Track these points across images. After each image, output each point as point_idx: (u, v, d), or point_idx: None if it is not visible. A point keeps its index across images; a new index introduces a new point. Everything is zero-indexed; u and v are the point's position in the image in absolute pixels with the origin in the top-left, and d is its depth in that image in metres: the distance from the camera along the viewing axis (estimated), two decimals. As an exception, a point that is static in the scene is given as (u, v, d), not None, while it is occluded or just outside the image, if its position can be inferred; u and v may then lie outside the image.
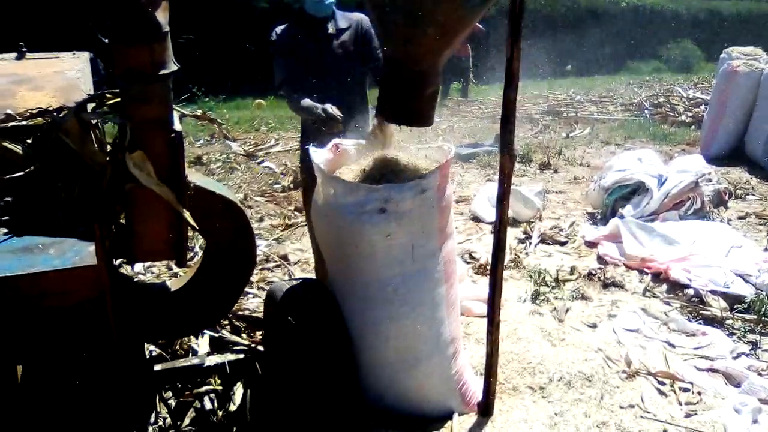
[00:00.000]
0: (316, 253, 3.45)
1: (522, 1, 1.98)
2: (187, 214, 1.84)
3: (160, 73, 1.73)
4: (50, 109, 1.70)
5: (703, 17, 23.49)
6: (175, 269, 3.91)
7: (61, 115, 1.65)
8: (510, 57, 2.10)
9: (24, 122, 1.67)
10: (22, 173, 1.60)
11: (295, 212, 5.74)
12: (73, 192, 1.65)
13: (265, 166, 6.74)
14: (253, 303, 3.65)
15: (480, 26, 2.25)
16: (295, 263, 4.48)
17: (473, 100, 13.54)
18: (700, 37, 21.15)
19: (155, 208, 1.87)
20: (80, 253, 1.48)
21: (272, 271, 4.36)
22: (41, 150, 1.64)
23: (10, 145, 1.65)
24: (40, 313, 1.68)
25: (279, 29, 3.39)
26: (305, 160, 3.16)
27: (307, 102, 3.16)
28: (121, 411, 2.10)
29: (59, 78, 1.92)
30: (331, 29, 3.32)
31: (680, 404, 2.86)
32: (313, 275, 4.19)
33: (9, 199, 1.61)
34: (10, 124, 1.65)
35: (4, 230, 1.55)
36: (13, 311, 1.56)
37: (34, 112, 1.68)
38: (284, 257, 4.53)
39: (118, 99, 1.78)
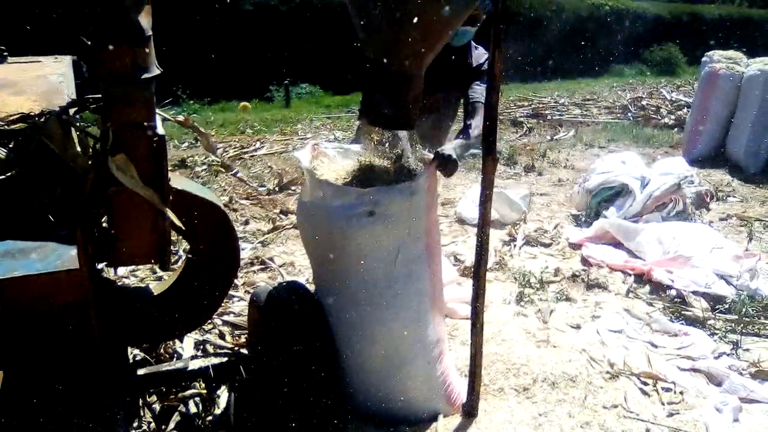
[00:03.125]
0: None
1: (504, 4, 2.00)
2: (172, 216, 1.83)
3: (143, 76, 1.73)
4: (32, 113, 1.69)
5: (685, 21, 23.75)
6: (159, 273, 3.89)
7: (43, 119, 1.64)
8: (492, 60, 2.12)
9: (5, 126, 1.66)
10: (3, 177, 1.59)
11: (281, 215, 5.73)
12: (54, 196, 1.65)
13: (239, 177, 6.75)
14: (238, 306, 3.64)
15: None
16: (281, 266, 4.47)
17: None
18: (683, 41, 21.37)
19: (138, 212, 1.86)
20: (62, 257, 1.48)
21: (257, 274, 4.35)
22: (23, 154, 1.63)
23: (-9, 150, 1.65)
24: (22, 317, 1.67)
25: None
26: None
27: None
28: (103, 416, 2.08)
29: (41, 82, 1.91)
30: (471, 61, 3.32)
31: (663, 404, 2.89)
32: (297, 278, 4.20)
33: (-11, 203, 1.61)
34: (-9, 128, 1.65)
35: (-15, 235, 1.55)
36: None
37: (15, 116, 1.67)
38: (270, 260, 4.51)
39: (101, 103, 1.77)
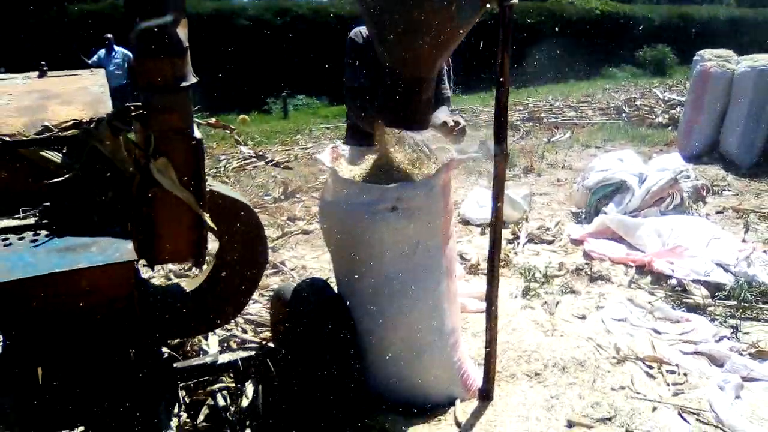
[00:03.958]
0: None
1: (511, 11, 2.16)
2: (207, 217, 1.98)
3: (181, 85, 1.88)
4: (83, 120, 1.84)
5: (675, 22, 24.06)
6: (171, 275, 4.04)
7: (94, 125, 1.79)
8: (501, 62, 2.27)
9: (60, 133, 1.81)
10: (59, 179, 1.74)
11: (288, 222, 5.88)
12: (106, 196, 1.79)
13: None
14: (254, 308, 3.77)
15: None
16: (292, 269, 4.62)
17: (455, 110, 13.75)
18: (674, 42, 21.66)
19: (177, 212, 2.00)
20: (120, 249, 1.61)
21: (269, 278, 4.49)
22: (77, 158, 1.78)
23: (48, 154, 1.79)
24: (73, 311, 1.81)
25: (357, 30, 3.06)
26: None
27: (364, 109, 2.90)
28: (148, 407, 2.21)
29: (84, 93, 2.06)
30: None
31: (668, 385, 3.03)
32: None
33: (48, 203, 1.75)
34: (47, 135, 1.79)
35: (45, 232, 1.68)
36: (54, 309, 1.69)
37: (68, 123, 1.82)
38: (281, 263, 4.66)
39: (143, 110, 1.91)
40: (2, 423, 1.71)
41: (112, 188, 1.80)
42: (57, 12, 13.81)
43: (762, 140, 7.44)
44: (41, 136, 1.79)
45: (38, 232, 1.68)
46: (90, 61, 11.14)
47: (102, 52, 11.60)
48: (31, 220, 1.73)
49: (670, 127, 10.03)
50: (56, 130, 1.80)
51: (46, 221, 1.72)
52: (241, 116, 12.54)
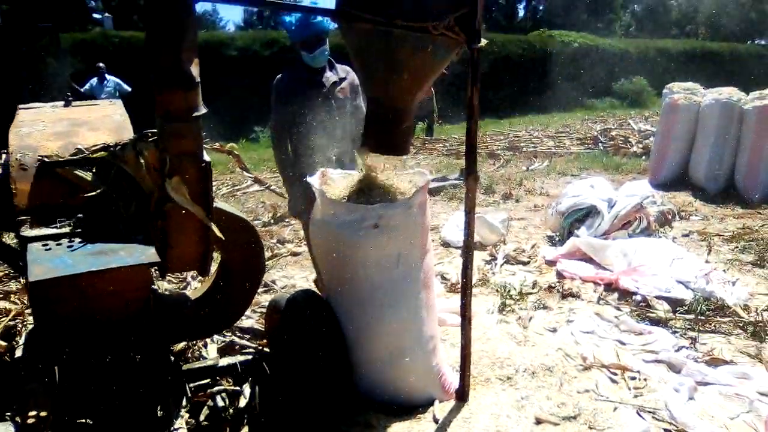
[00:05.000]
0: (317, 267, 3.88)
1: (479, 52, 2.48)
2: (215, 228, 2.26)
3: (193, 114, 2.17)
4: (110, 144, 2.13)
5: (652, 55, 24.79)
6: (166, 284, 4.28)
7: (119, 148, 2.08)
8: (470, 96, 2.59)
9: (91, 155, 2.10)
10: (91, 194, 2.02)
11: (278, 244, 6.15)
12: (130, 209, 2.07)
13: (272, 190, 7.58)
14: (247, 323, 4.02)
15: (444, 71, 2.73)
16: (283, 288, 4.88)
17: (437, 138, 14.18)
18: (650, 74, 22.30)
19: (188, 226, 2.29)
20: (146, 253, 1.89)
21: (261, 296, 4.74)
22: (105, 177, 2.06)
23: (81, 173, 2.08)
24: (94, 312, 2.07)
25: (281, 76, 3.81)
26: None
27: (285, 175, 3.91)
28: (160, 405, 2.46)
29: (109, 120, 2.34)
30: (333, 77, 3.81)
31: (629, 389, 3.31)
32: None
33: (81, 215, 2.02)
34: (80, 156, 2.08)
35: (79, 239, 1.96)
36: (87, 307, 1.96)
37: (98, 146, 2.11)
38: (272, 282, 4.92)
39: (159, 136, 2.20)
40: (35, 405, 1.96)
41: (135, 202, 2.08)
42: (49, 40, 14.09)
43: (727, 168, 7.84)
44: (75, 157, 2.07)
45: (73, 239, 1.96)
46: (83, 90, 11.41)
47: (94, 80, 11.87)
48: (66, 229, 2.00)
49: (643, 157, 10.44)
50: (88, 152, 2.09)
51: (79, 230, 2.00)
52: (230, 144, 12.80)
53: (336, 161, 3.65)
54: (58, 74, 11.00)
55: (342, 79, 3.88)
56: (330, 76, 3.85)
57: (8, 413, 1.89)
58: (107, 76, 11.94)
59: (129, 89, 11.88)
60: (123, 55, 14.40)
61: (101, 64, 11.93)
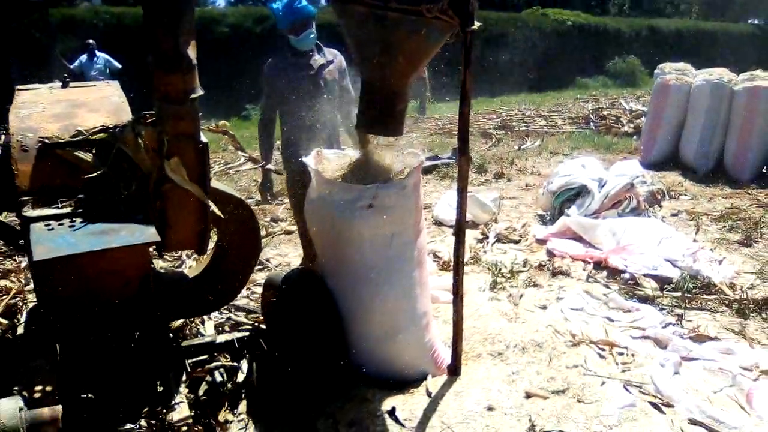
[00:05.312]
0: (303, 238, 4.02)
1: (472, 36, 2.52)
2: (213, 206, 2.31)
3: (190, 96, 2.21)
4: (110, 126, 2.17)
5: (644, 34, 24.77)
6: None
7: (119, 130, 2.12)
8: (464, 79, 2.64)
9: (91, 136, 2.13)
10: (92, 175, 2.06)
11: (272, 222, 6.20)
12: (130, 190, 2.11)
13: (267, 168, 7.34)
14: (242, 302, 4.07)
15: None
16: (277, 266, 4.94)
17: (430, 117, 14.19)
18: (643, 53, 22.30)
19: (186, 205, 2.33)
20: (146, 233, 1.93)
21: (255, 273, 4.79)
22: (105, 158, 2.10)
23: (81, 155, 2.11)
24: (105, 287, 2.12)
25: (270, 61, 3.98)
26: (290, 163, 3.88)
27: (265, 145, 4.27)
28: (161, 380, 2.52)
29: (107, 102, 2.37)
30: (321, 60, 3.90)
31: (617, 364, 3.40)
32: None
33: (82, 196, 2.07)
34: (80, 138, 2.12)
35: (81, 219, 2.00)
36: (88, 284, 2.01)
37: (98, 128, 2.15)
38: (267, 260, 4.98)
39: (157, 117, 2.24)
40: (41, 381, 2.02)
41: (135, 183, 2.12)
42: (39, 16, 13.96)
43: (717, 149, 7.93)
44: (75, 139, 2.11)
45: (75, 219, 2.00)
46: (72, 66, 11.33)
47: (84, 57, 11.79)
48: (68, 210, 2.05)
49: (634, 136, 10.51)
50: (88, 134, 2.13)
51: (81, 210, 2.04)
52: (221, 122, 12.77)
53: (325, 141, 3.73)
54: (47, 51, 10.94)
55: (329, 62, 4.02)
56: (318, 59, 3.99)
57: (15, 388, 1.94)
58: (97, 53, 11.86)
59: (119, 66, 11.82)
60: (113, 32, 14.29)
61: (91, 41, 11.84)
